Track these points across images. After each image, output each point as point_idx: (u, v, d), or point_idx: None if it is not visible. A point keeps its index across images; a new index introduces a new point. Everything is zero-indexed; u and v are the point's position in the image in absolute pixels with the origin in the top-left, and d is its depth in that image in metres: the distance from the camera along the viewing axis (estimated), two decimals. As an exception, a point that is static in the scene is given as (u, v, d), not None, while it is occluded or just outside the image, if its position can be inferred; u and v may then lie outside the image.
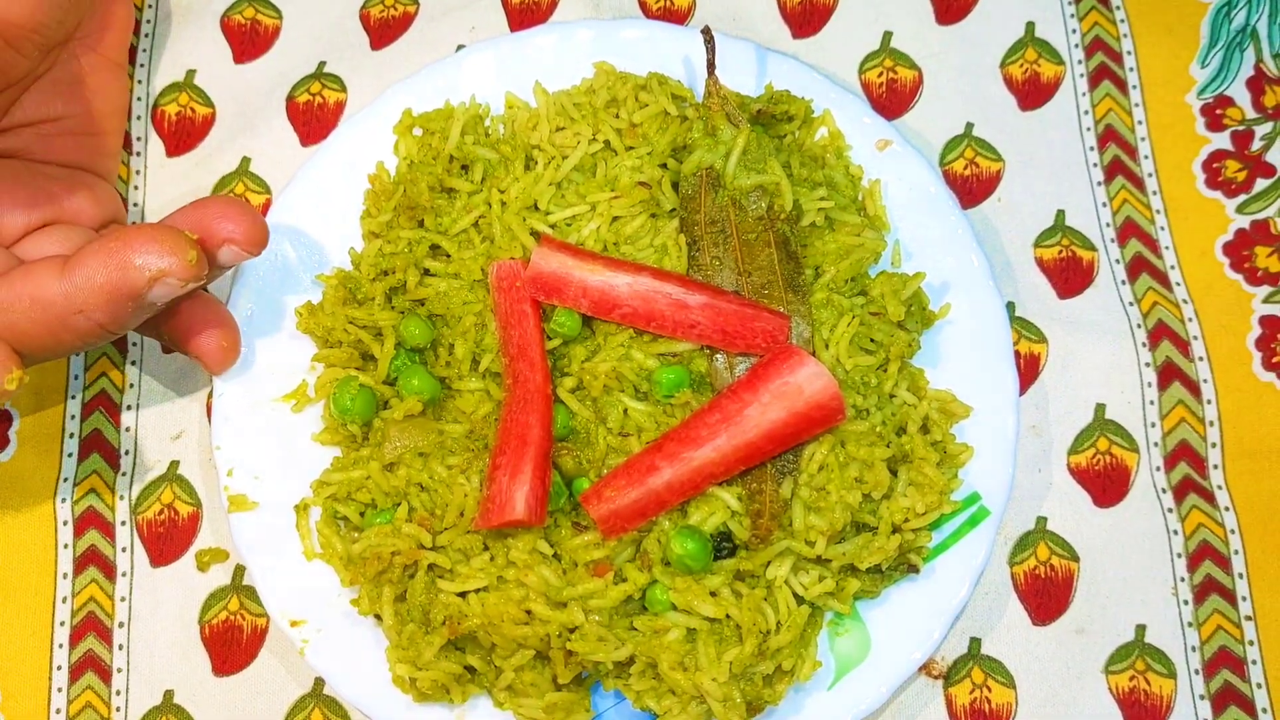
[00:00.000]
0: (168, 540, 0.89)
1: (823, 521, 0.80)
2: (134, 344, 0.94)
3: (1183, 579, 0.88)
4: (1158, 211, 0.98)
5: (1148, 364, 0.93)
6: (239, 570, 0.89)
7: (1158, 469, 0.91)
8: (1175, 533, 0.89)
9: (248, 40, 1.03)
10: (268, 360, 0.89)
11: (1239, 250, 0.97)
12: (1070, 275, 0.96)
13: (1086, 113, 1.01)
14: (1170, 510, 0.90)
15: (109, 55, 0.91)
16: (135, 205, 0.98)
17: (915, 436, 0.84)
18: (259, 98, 1.01)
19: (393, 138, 0.94)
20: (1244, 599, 0.88)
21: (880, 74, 1.02)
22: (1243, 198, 0.98)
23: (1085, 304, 0.95)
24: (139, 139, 0.99)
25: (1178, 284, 0.96)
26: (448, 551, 0.81)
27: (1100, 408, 0.92)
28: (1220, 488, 0.90)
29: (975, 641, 0.87)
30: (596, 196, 0.88)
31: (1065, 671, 0.86)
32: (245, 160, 0.99)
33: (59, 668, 0.86)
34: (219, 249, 0.79)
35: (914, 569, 0.83)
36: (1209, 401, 0.92)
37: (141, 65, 1.02)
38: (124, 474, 0.91)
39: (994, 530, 0.84)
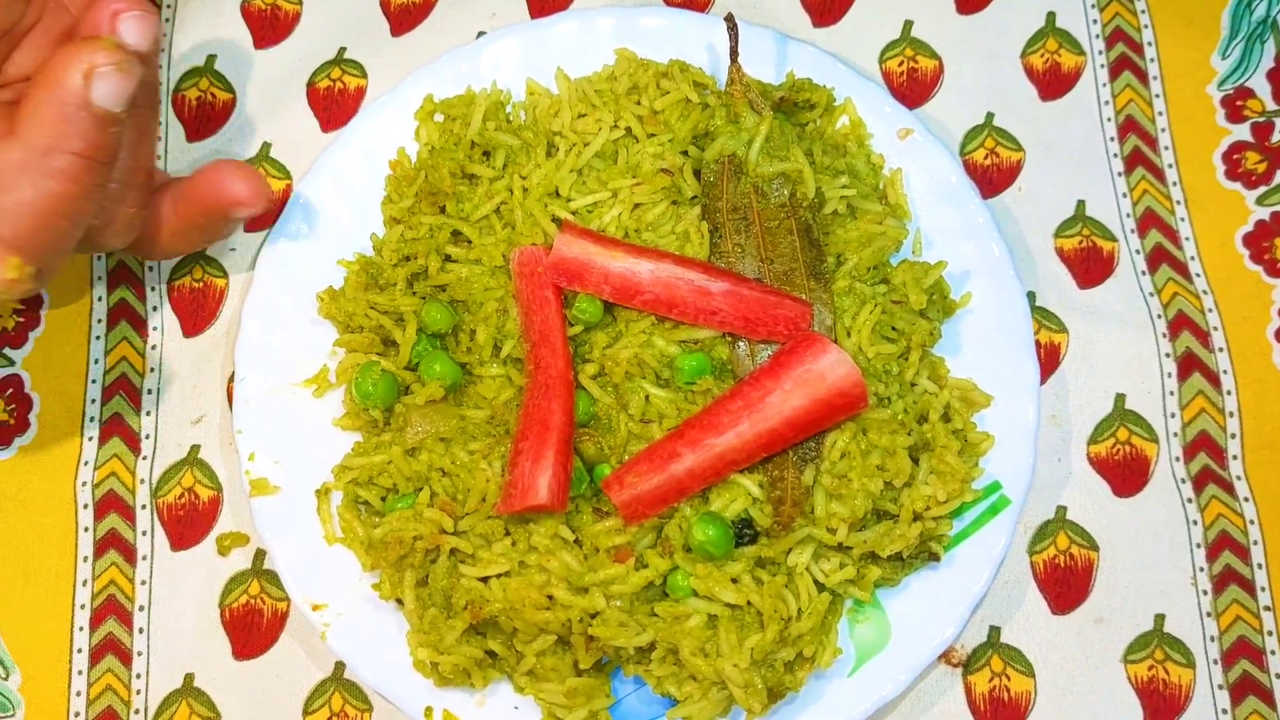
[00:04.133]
0: (188, 524, 0.90)
1: (844, 509, 0.80)
2: (155, 328, 0.94)
3: (1202, 569, 0.88)
4: (1178, 202, 0.98)
5: (1168, 354, 0.93)
6: (260, 554, 0.89)
7: (1177, 459, 0.91)
8: (1194, 523, 0.89)
9: (268, 26, 1.03)
10: (289, 345, 0.89)
11: (1259, 241, 0.97)
12: (1090, 265, 0.96)
13: (1107, 103, 1.01)
14: (1189, 500, 0.90)
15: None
16: (156, 189, 0.98)
17: (936, 425, 0.84)
18: (279, 83, 1.01)
19: (414, 124, 0.94)
20: (1263, 589, 0.88)
21: (901, 63, 1.02)
22: (1263, 189, 0.98)
23: (1105, 294, 0.95)
24: (160, 123, 0.99)
25: (1198, 275, 0.96)
26: (469, 536, 0.81)
27: (1120, 398, 0.92)
28: (1239, 478, 0.90)
29: (995, 630, 0.87)
30: (618, 183, 0.88)
31: (1084, 660, 0.86)
32: (266, 145, 0.99)
33: (79, 651, 0.87)
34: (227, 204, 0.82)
35: (935, 557, 0.83)
36: (1229, 392, 0.92)
37: (162, 50, 1.01)
38: (144, 458, 0.91)
39: (1014, 519, 0.84)
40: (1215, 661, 0.86)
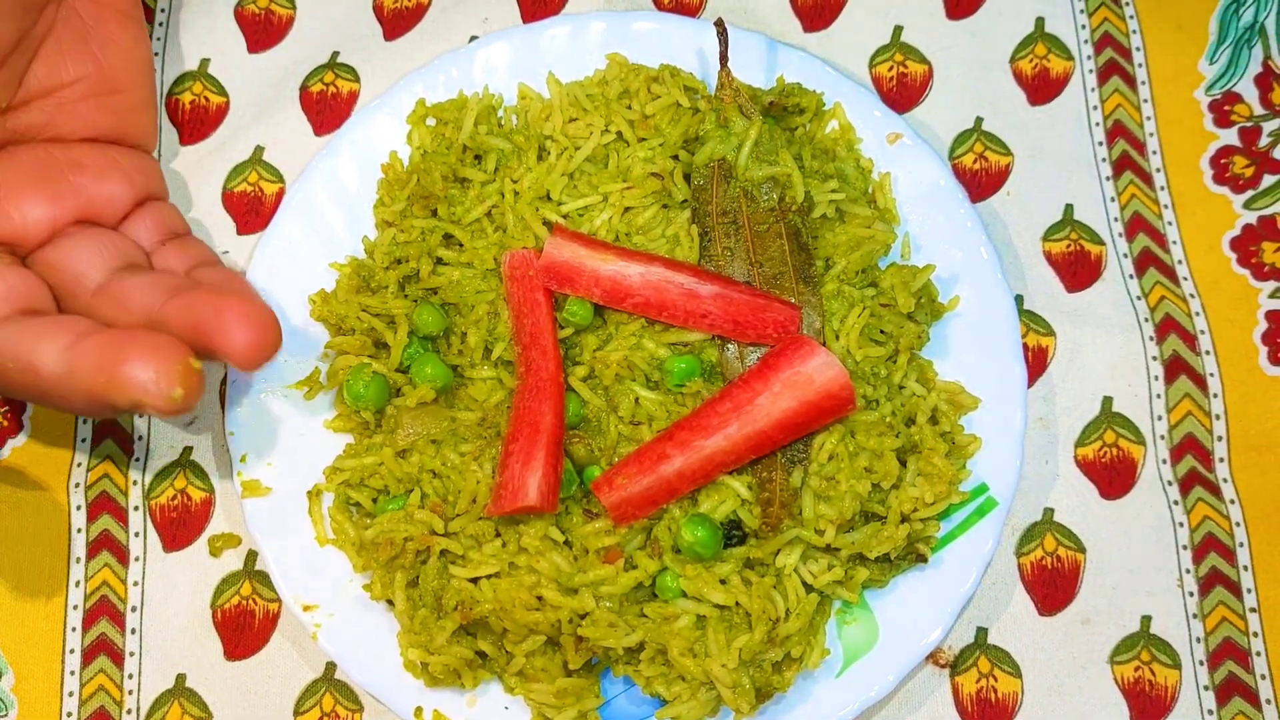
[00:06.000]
0: (181, 525, 0.90)
1: (832, 510, 0.81)
2: (148, 330, 0.94)
3: (1188, 571, 0.89)
4: (1165, 207, 0.99)
5: (1155, 357, 0.94)
6: (251, 555, 0.89)
7: (1164, 462, 0.91)
8: (1181, 525, 0.90)
9: (261, 30, 1.04)
10: (281, 348, 0.89)
11: (1246, 245, 0.97)
12: (1078, 269, 0.97)
13: (1095, 108, 1.01)
14: (1176, 503, 0.90)
15: (112, 4, 0.87)
16: (150, 193, 0.98)
17: (924, 427, 0.85)
18: (272, 87, 1.02)
19: (406, 127, 0.95)
20: (1249, 591, 0.88)
21: (891, 68, 1.03)
22: (1250, 193, 0.99)
23: (1093, 297, 0.96)
24: (153, 127, 1.00)
25: (1185, 278, 0.96)
26: (460, 537, 0.82)
27: (1107, 400, 0.93)
28: (1226, 481, 0.91)
29: (982, 631, 0.88)
30: (609, 187, 0.89)
31: (1071, 661, 0.87)
32: (259, 149, 1.00)
33: (72, 651, 0.87)
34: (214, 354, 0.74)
35: (922, 558, 0.84)
36: (1215, 395, 0.93)
37: (156, 54, 1.02)
38: (137, 459, 0.91)
39: (1001, 521, 0.85)
40: (1201, 662, 0.87)
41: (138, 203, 0.86)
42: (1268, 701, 0.86)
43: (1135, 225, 0.98)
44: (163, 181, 0.90)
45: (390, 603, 0.83)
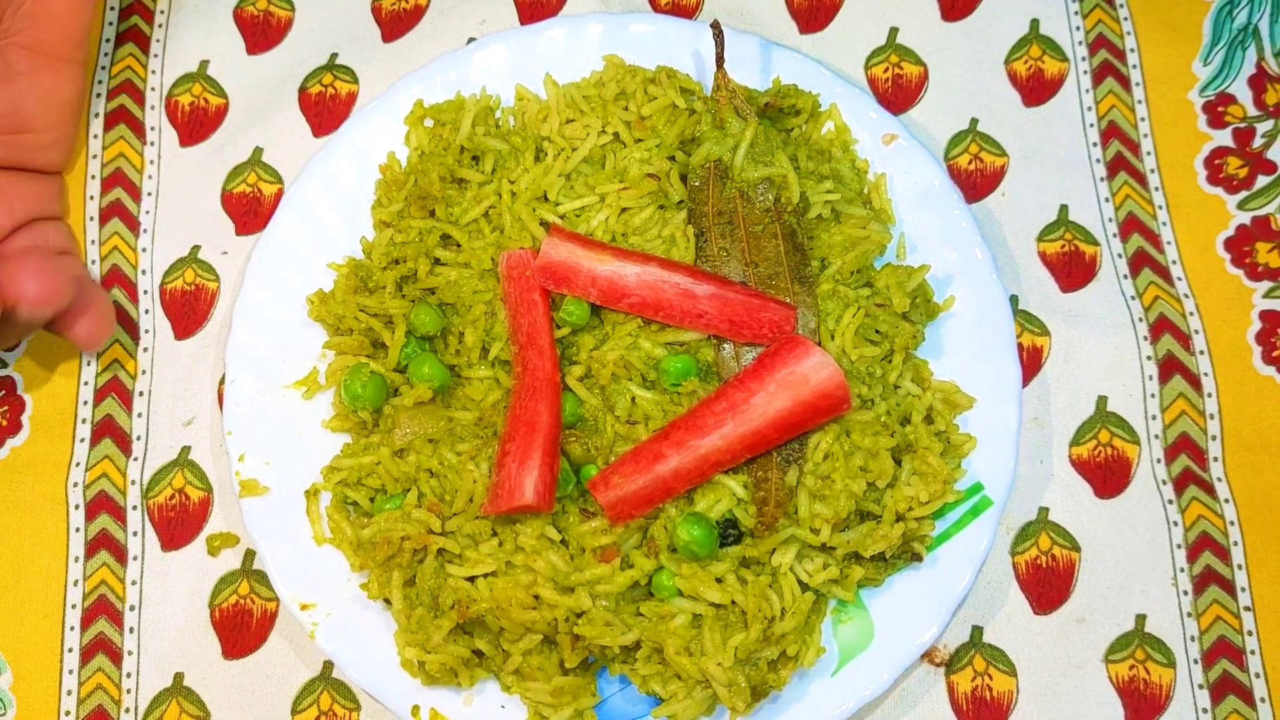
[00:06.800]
0: (179, 525, 0.90)
1: (827, 510, 0.81)
2: (146, 331, 0.95)
3: (1182, 570, 0.89)
4: (1160, 207, 0.99)
5: (1149, 357, 0.94)
6: (249, 555, 0.89)
7: (1158, 461, 0.92)
8: (1175, 524, 0.90)
9: (260, 32, 1.04)
10: (279, 348, 0.90)
11: (1240, 246, 0.98)
12: (1073, 269, 0.97)
13: (1090, 109, 1.02)
14: (1170, 502, 0.91)
15: (46, 50, 0.88)
16: (149, 194, 0.98)
17: (919, 426, 0.85)
18: (271, 89, 1.02)
19: (404, 129, 0.95)
20: (1243, 590, 0.89)
21: (886, 69, 1.03)
22: (1244, 194, 0.99)
23: (1087, 298, 0.96)
24: (153, 129, 1.00)
25: (1179, 279, 0.97)
26: (457, 537, 0.82)
27: (1102, 400, 0.93)
28: (1220, 480, 0.91)
29: (977, 630, 0.88)
30: (605, 188, 0.89)
31: (1066, 660, 0.87)
32: (258, 150, 1.00)
33: (70, 650, 0.87)
34: (14, 307, 0.82)
35: (917, 557, 0.84)
36: (1209, 395, 0.93)
37: (155, 55, 1.03)
38: (136, 459, 0.92)
39: (996, 520, 0.85)
40: (1196, 661, 0.87)
41: (18, 227, 0.89)
42: (1262, 700, 0.86)
43: (1129, 226, 0.98)
44: (59, 202, 0.94)
45: (387, 602, 0.84)
